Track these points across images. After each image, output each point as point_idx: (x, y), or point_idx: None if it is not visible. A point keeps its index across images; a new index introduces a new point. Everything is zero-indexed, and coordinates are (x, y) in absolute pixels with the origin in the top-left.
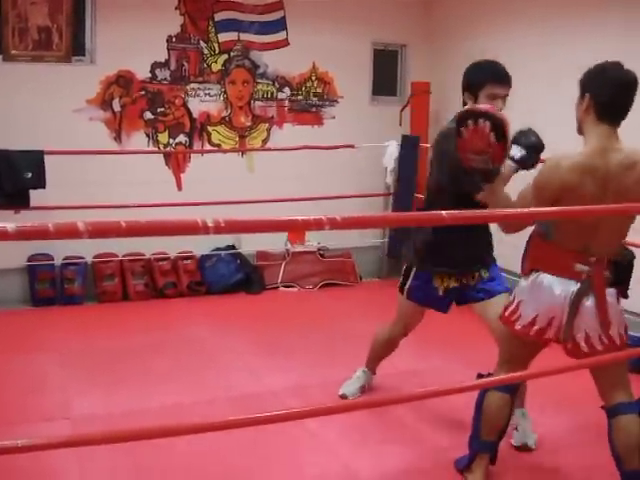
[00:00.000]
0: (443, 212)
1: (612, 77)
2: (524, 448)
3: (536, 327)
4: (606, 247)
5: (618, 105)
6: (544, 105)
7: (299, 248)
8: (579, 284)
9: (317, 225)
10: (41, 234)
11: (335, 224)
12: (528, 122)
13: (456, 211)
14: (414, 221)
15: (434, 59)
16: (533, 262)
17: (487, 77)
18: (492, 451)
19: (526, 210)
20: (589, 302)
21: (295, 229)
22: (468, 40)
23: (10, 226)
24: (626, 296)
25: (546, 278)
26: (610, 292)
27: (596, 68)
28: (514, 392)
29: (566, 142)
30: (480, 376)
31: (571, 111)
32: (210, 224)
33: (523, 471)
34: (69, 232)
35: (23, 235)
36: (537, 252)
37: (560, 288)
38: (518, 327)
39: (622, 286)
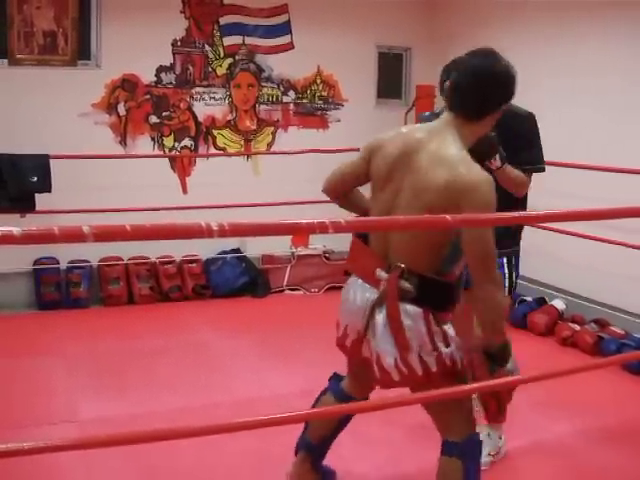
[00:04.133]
0: (447, 216)
1: None
2: None
3: (349, 339)
4: (404, 255)
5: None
6: (548, 106)
7: (304, 251)
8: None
9: (321, 229)
10: (47, 238)
11: (339, 228)
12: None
13: (460, 215)
14: (419, 224)
15: (439, 62)
16: (348, 262)
17: None
18: (313, 454)
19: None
20: (381, 316)
21: (299, 233)
22: (473, 43)
23: (16, 230)
24: (440, 322)
25: (354, 283)
26: (410, 309)
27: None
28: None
29: (571, 142)
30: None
31: (574, 111)
32: (214, 227)
33: (528, 475)
34: (74, 236)
35: (29, 239)
36: (352, 252)
37: (361, 295)
38: (336, 337)
39: (432, 307)
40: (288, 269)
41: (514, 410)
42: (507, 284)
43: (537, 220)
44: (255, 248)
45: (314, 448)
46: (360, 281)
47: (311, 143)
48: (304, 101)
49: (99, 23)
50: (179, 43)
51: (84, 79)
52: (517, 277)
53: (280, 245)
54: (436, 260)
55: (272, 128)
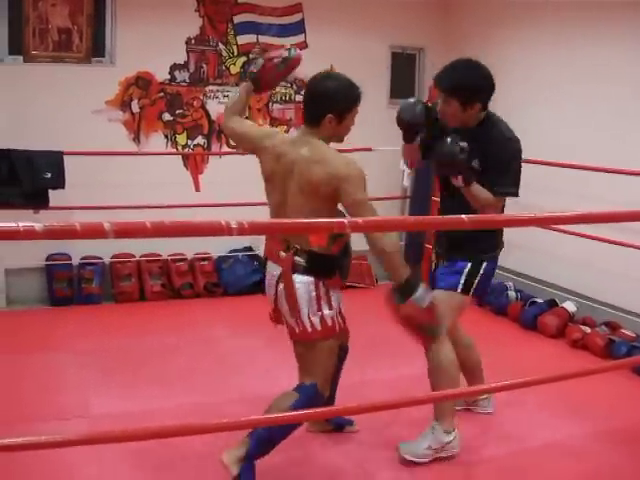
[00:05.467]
0: (463, 216)
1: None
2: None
3: (270, 308)
4: (298, 237)
5: None
6: (560, 108)
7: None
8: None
9: (339, 228)
10: (68, 234)
11: (357, 227)
12: (545, 124)
13: (476, 215)
14: (435, 225)
15: None
16: (264, 248)
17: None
18: None
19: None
20: (281, 286)
21: (317, 231)
22: (486, 44)
23: (38, 225)
24: (327, 289)
25: (268, 264)
26: (303, 279)
27: None
28: None
29: (581, 143)
30: None
31: (587, 113)
32: (234, 226)
33: (538, 477)
34: (95, 232)
35: (50, 234)
36: (265, 239)
37: (270, 273)
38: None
39: (320, 276)
40: None
41: (524, 412)
42: (461, 285)
43: (549, 222)
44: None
45: None
46: (270, 262)
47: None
48: None
49: (114, 20)
50: (193, 41)
51: (98, 76)
52: (484, 283)
53: None
54: (321, 240)
55: (285, 127)
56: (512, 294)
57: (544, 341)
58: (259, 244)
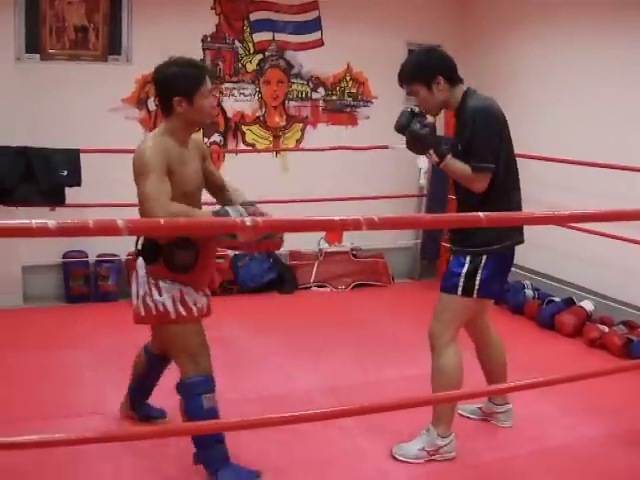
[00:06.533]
0: (480, 213)
1: None
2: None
3: None
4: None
5: None
6: (577, 106)
7: (332, 248)
8: None
9: (355, 225)
10: (81, 231)
11: (372, 224)
12: (562, 122)
13: (493, 212)
14: (452, 222)
15: (470, 60)
16: None
17: None
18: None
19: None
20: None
21: (332, 229)
22: (503, 41)
23: (51, 222)
24: (156, 275)
25: None
26: (141, 264)
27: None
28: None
29: (599, 140)
30: None
31: (604, 111)
32: (248, 223)
33: (556, 477)
34: (109, 229)
35: (64, 231)
36: None
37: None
38: None
39: (149, 263)
40: (315, 266)
41: (540, 411)
42: (462, 283)
43: (568, 220)
44: (283, 244)
45: (130, 390)
46: None
47: (340, 140)
48: (333, 98)
49: (130, 18)
50: (209, 39)
51: (115, 74)
52: (489, 281)
53: (308, 241)
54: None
55: (301, 124)
56: (529, 292)
57: (561, 340)
58: None
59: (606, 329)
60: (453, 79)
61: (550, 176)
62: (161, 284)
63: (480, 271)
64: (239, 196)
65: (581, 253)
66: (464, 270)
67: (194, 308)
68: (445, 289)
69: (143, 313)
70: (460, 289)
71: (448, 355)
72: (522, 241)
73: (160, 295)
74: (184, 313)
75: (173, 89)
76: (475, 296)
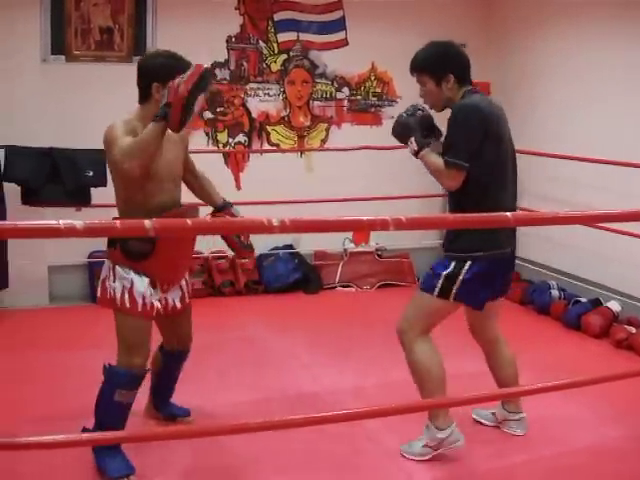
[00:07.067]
0: (508, 213)
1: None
2: None
3: None
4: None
5: None
6: (604, 105)
7: (357, 248)
8: None
9: (382, 226)
10: (108, 231)
11: (400, 225)
12: (588, 121)
13: (521, 212)
14: (475, 222)
15: (495, 59)
16: None
17: None
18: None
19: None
20: None
21: (360, 229)
22: (527, 40)
23: (79, 223)
24: (114, 261)
25: None
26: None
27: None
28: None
29: (627, 139)
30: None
31: (630, 110)
32: (275, 223)
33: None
34: (136, 230)
35: (91, 232)
36: None
37: None
38: None
39: (110, 248)
40: (340, 266)
41: (567, 412)
42: (440, 284)
43: (592, 220)
44: (308, 244)
45: (152, 389)
46: None
47: (365, 140)
48: (358, 97)
49: (155, 20)
50: (234, 39)
51: None
52: (469, 287)
53: (333, 242)
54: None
55: (326, 124)
56: (555, 293)
57: (587, 341)
58: (300, 242)
59: (633, 330)
60: (464, 79)
61: (582, 176)
62: (117, 269)
63: (461, 276)
64: (213, 188)
65: (608, 253)
66: (445, 272)
67: (139, 302)
68: (423, 288)
69: (99, 295)
70: (437, 290)
71: (419, 351)
72: (512, 250)
73: (113, 281)
74: (128, 305)
75: (154, 76)
76: (452, 300)
